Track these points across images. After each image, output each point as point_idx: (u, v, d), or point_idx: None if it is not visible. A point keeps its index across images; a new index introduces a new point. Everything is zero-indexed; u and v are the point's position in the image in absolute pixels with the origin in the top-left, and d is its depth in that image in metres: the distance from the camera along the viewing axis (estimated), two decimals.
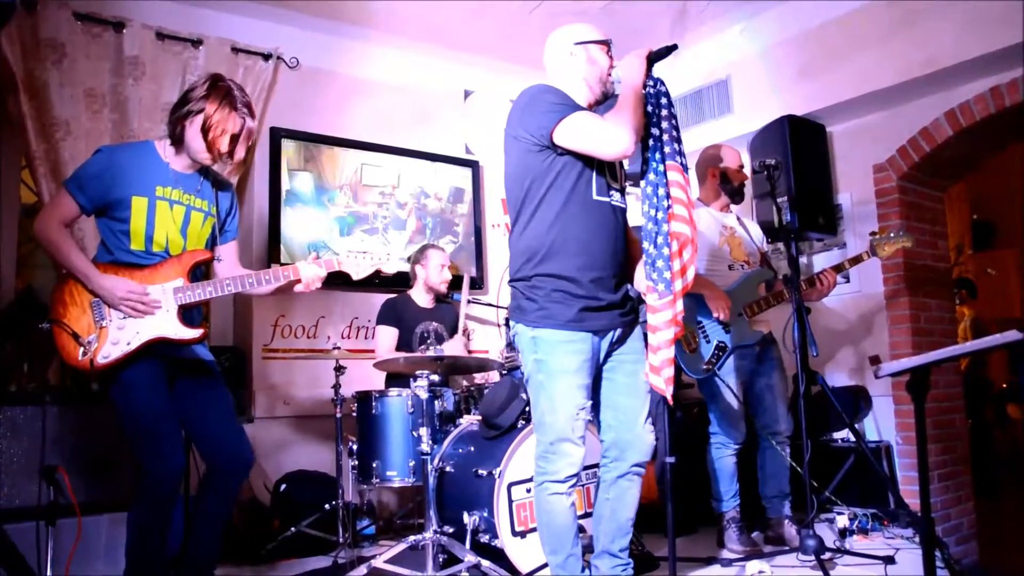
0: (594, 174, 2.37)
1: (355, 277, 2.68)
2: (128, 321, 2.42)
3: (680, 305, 2.28)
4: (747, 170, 4.26)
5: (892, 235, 3.49)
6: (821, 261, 4.67)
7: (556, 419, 2.30)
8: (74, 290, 2.44)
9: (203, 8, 4.24)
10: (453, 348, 3.99)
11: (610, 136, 2.25)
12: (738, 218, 3.73)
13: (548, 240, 2.33)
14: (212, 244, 2.68)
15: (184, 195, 2.57)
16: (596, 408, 2.47)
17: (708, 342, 3.44)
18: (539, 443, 2.36)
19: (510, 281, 2.46)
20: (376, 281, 4.52)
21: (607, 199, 2.39)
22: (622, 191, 2.48)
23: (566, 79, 2.48)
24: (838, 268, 3.56)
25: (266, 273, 2.58)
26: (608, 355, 2.43)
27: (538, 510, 2.39)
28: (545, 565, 2.81)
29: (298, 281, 2.61)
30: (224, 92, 2.51)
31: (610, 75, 2.45)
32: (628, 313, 2.43)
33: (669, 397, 2.29)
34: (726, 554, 3.32)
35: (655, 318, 2.27)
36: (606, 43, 2.48)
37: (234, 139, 2.53)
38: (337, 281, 4.20)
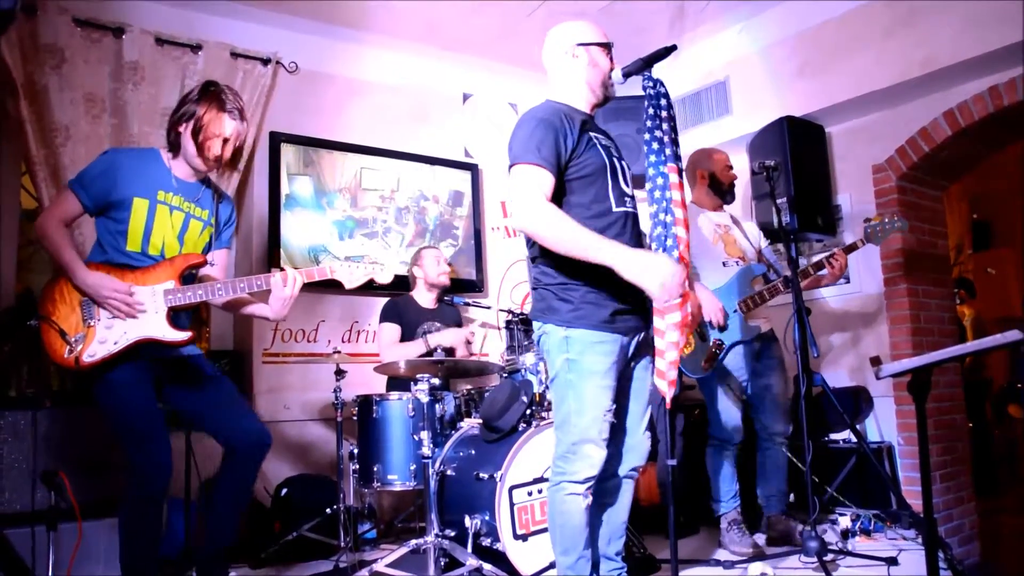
0: (609, 185, 2.33)
1: (348, 286, 2.69)
2: (116, 321, 2.43)
3: (689, 307, 2.27)
4: (745, 169, 4.28)
5: (887, 221, 3.41)
6: None
7: (582, 419, 2.27)
8: (65, 288, 2.45)
9: (202, 13, 4.24)
10: (450, 335, 3.99)
11: (518, 211, 2.22)
12: (731, 216, 3.73)
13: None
14: (207, 252, 2.70)
15: (185, 202, 2.61)
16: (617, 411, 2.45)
17: (705, 341, 3.44)
18: (560, 443, 2.32)
19: (542, 286, 2.39)
20: (375, 285, 4.56)
21: (625, 208, 2.37)
22: (633, 196, 2.44)
23: (566, 80, 2.44)
24: (849, 249, 3.47)
25: (258, 278, 2.58)
26: (629, 360, 2.41)
27: (552, 510, 2.35)
28: (548, 567, 2.83)
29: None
30: (214, 96, 2.55)
31: (611, 78, 2.44)
32: (650, 317, 2.38)
33: (668, 400, 2.27)
34: (728, 556, 3.31)
35: (664, 321, 2.24)
36: (608, 45, 2.45)
37: (226, 143, 2.57)
38: (336, 284, 4.26)
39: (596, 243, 2.13)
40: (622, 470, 2.45)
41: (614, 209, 2.33)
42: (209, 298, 2.54)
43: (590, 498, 2.31)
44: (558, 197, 2.28)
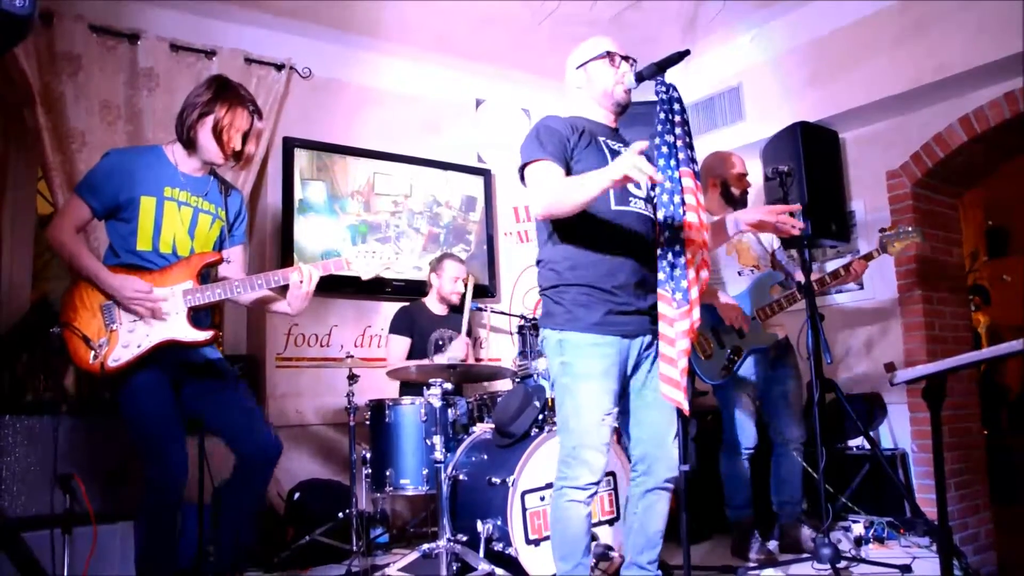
0: None
1: (364, 277, 2.69)
2: (138, 324, 2.44)
3: (697, 313, 2.26)
4: (758, 176, 4.26)
5: (902, 231, 3.41)
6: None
7: (580, 424, 2.27)
8: (84, 294, 2.46)
9: (216, 20, 4.27)
10: (457, 348, 4.00)
11: (535, 202, 2.31)
12: None
13: (570, 254, 2.35)
14: (220, 247, 2.71)
15: (192, 197, 2.60)
16: (623, 417, 2.44)
17: (723, 347, 3.44)
18: (562, 447, 2.33)
19: (540, 291, 2.47)
20: (388, 290, 4.59)
21: (627, 207, 2.38)
22: (649, 199, 2.43)
23: (578, 98, 2.55)
24: (865, 258, 3.46)
25: (275, 274, 2.59)
26: (637, 364, 2.39)
27: (553, 516, 2.37)
28: None
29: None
30: (232, 93, 2.60)
31: (613, 87, 2.45)
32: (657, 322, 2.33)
33: (686, 409, 2.25)
34: (741, 562, 3.30)
35: (672, 329, 2.23)
36: (606, 55, 2.47)
37: (244, 136, 2.61)
38: (349, 288, 4.28)
39: (588, 178, 2.14)
40: (654, 482, 2.39)
41: (613, 207, 2.35)
42: (228, 295, 2.55)
43: (591, 506, 2.31)
44: None
